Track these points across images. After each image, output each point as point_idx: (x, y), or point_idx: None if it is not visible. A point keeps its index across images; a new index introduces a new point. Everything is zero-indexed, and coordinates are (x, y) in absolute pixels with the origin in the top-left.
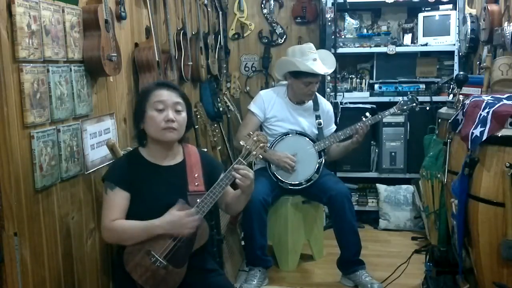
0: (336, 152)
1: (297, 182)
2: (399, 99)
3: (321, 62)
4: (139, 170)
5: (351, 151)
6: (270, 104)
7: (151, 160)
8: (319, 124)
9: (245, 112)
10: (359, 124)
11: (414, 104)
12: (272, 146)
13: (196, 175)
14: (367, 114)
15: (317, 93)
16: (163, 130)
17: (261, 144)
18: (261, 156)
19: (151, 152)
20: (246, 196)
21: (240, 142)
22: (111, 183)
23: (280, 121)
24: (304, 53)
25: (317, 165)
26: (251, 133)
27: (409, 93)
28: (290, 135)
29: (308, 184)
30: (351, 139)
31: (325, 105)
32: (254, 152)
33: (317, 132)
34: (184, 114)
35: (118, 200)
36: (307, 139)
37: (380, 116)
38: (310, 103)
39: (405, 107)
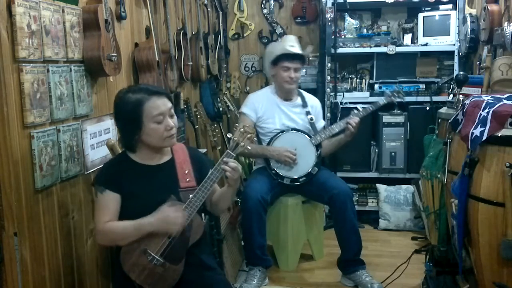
0: (329, 147)
1: (297, 177)
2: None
3: (298, 49)
4: (128, 172)
5: (344, 144)
6: (259, 103)
7: (139, 161)
8: (311, 119)
9: None
10: (351, 117)
11: (400, 93)
12: (269, 144)
13: (186, 171)
14: (358, 107)
15: (302, 91)
16: (166, 139)
17: (248, 135)
18: (249, 148)
19: (140, 154)
20: (233, 191)
21: (227, 135)
22: (100, 186)
23: (271, 118)
24: (283, 41)
25: (316, 158)
26: (237, 125)
27: (395, 87)
28: (286, 132)
29: (308, 178)
30: (343, 132)
31: (313, 100)
32: (242, 143)
33: (310, 127)
34: (175, 115)
35: (108, 202)
36: (303, 134)
37: (371, 108)
38: (299, 100)
39: (392, 97)
